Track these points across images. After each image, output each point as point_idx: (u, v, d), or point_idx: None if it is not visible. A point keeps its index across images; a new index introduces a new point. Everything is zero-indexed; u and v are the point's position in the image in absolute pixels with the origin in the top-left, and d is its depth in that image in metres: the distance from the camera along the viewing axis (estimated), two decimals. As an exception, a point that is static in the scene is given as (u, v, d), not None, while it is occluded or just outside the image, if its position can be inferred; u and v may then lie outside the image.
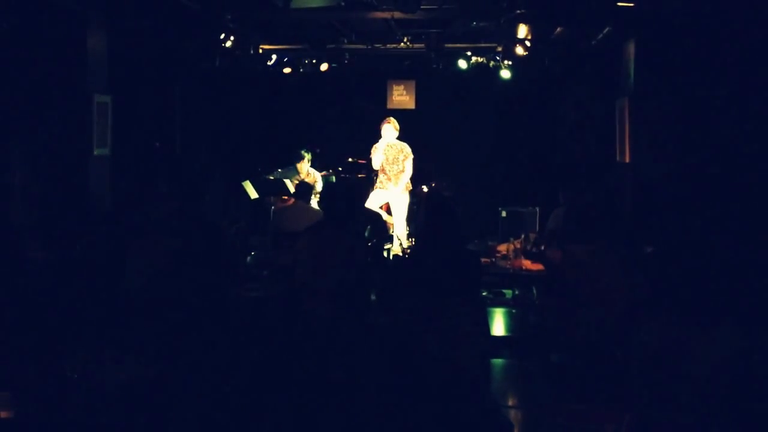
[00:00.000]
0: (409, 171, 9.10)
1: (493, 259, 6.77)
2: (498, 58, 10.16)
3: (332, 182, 9.99)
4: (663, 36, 7.27)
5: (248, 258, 6.89)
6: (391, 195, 9.13)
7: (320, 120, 11.62)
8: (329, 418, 4.15)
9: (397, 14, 7.68)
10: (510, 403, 5.24)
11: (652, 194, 7.29)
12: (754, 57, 6.05)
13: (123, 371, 3.36)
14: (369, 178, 9.96)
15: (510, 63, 10.09)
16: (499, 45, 9.60)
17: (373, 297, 5.62)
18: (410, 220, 9.03)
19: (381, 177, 9.21)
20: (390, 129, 9.09)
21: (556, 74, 10.51)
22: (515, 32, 8.33)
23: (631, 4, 6.81)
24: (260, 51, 9.84)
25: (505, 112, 11.47)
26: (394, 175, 9.08)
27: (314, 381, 4.40)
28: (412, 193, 9.26)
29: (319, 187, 9.31)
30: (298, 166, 9.41)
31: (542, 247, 6.58)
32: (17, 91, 6.78)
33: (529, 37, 8.34)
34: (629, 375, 3.27)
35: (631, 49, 7.66)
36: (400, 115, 9.88)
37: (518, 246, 6.62)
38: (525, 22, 8.00)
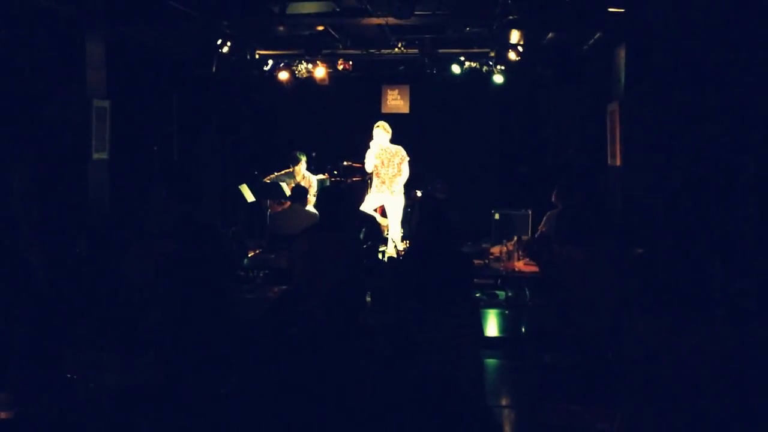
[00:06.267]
0: (406, 173, 9.17)
1: (487, 261, 6.82)
2: (491, 63, 10.21)
3: (328, 185, 10.04)
4: (653, 41, 7.29)
5: (245, 261, 6.95)
6: (386, 198, 9.19)
7: (316, 124, 11.65)
8: (325, 418, 4.21)
9: (391, 20, 7.71)
10: (503, 402, 5.30)
11: (643, 197, 7.33)
12: (744, 62, 6.10)
13: (121, 372, 3.41)
14: (364, 181, 10.03)
15: (503, 68, 10.15)
16: (492, 50, 9.63)
17: (367, 298, 5.69)
18: (405, 222, 9.09)
19: (375, 180, 9.27)
20: (381, 133, 9.14)
21: (548, 79, 10.55)
22: (508, 38, 8.35)
23: (622, 10, 6.87)
24: (257, 56, 9.89)
25: (498, 116, 11.51)
26: (389, 178, 9.12)
27: (310, 381, 4.45)
28: (406, 196, 9.32)
29: (314, 190, 9.36)
30: (295, 169, 9.45)
31: (534, 249, 6.65)
32: (17, 95, 6.80)
33: (522, 43, 8.37)
34: (621, 375, 3.33)
35: (622, 54, 7.69)
36: (394, 119, 9.93)
37: (511, 248, 6.67)
38: (517, 28, 8.02)
